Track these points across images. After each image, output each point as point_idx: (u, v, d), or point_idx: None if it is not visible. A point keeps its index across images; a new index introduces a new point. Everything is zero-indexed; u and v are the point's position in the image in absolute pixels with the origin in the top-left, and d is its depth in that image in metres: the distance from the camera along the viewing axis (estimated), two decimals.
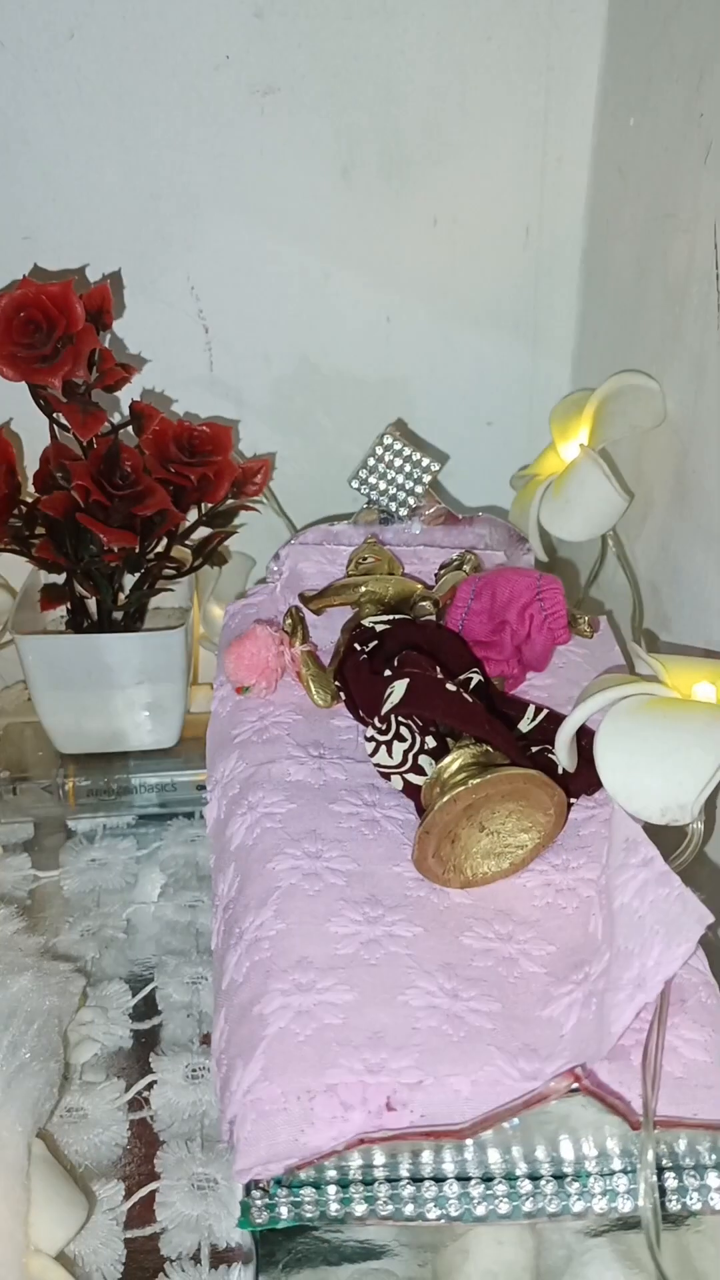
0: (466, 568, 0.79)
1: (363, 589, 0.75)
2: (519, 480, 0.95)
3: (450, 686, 0.61)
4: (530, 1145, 0.50)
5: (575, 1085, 0.46)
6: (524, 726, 0.69)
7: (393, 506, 0.86)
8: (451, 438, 1.08)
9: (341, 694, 0.72)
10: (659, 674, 0.62)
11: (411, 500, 0.86)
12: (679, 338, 0.81)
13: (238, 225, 0.95)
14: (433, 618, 0.75)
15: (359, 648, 0.70)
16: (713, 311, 0.74)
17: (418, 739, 0.61)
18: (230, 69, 0.90)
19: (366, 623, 0.72)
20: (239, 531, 0.92)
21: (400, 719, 0.61)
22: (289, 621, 0.75)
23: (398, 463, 0.85)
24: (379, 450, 0.85)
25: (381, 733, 0.62)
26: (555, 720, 0.66)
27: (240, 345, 1.01)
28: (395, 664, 0.63)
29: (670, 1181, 0.50)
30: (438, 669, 0.63)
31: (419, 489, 0.86)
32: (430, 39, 0.92)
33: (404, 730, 0.61)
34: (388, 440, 0.85)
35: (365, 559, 0.79)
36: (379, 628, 0.71)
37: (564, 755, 0.62)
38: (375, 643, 0.70)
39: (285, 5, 0.89)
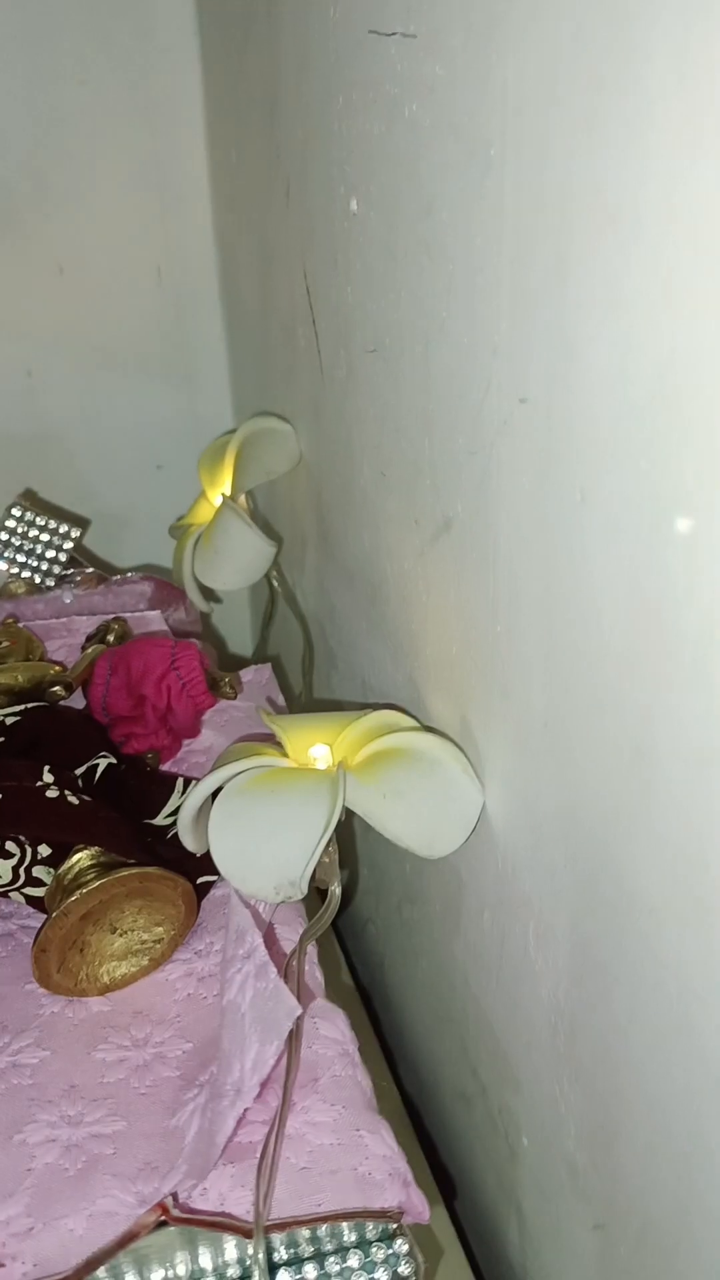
0: (110, 638, 0.77)
1: None
2: (176, 530, 0.93)
3: (51, 794, 0.58)
4: (169, 1261, 0.49)
5: (163, 1218, 0.44)
6: (175, 802, 0.67)
7: (38, 578, 0.83)
8: (123, 484, 1.05)
9: None
10: (281, 739, 0.62)
11: (56, 569, 0.83)
12: (296, 379, 0.80)
13: None
14: (67, 701, 0.72)
15: None
16: (317, 353, 0.74)
17: (28, 850, 0.58)
18: None
19: None
20: None
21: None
22: None
23: (33, 533, 0.81)
24: (9, 523, 0.81)
25: None
26: None
27: None
28: None
29: (310, 1272, 0.50)
30: (45, 770, 0.60)
31: (62, 557, 0.83)
32: (20, 88, 0.88)
33: (9, 845, 0.58)
34: (16, 512, 0.81)
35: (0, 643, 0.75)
36: (8, 720, 0.68)
37: (187, 838, 0.60)
38: (2, 739, 0.67)
39: None
